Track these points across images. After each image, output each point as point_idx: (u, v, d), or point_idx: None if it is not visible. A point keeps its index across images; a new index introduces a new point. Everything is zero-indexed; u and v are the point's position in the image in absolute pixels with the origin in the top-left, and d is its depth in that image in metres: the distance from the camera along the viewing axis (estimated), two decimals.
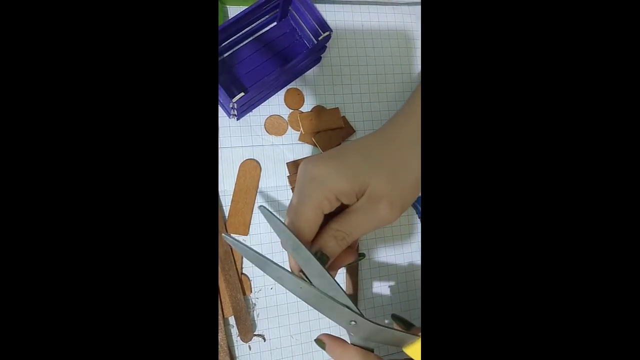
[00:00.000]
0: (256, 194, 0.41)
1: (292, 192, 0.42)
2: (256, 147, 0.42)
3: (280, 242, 0.41)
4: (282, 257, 0.41)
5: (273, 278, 0.28)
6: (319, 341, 0.32)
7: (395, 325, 0.36)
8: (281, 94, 0.43)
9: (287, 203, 0.42)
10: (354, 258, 0.33)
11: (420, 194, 0.30)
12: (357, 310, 0.28)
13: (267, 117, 0.42)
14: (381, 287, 0.44)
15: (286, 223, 0.29)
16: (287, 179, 0.42)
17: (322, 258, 0.28)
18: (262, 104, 0.43)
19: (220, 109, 0.41)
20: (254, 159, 0.41)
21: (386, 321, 0.43)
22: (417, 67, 0.49)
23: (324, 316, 0.30)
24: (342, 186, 0.28)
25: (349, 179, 0.28)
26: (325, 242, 0.28)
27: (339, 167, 0.28)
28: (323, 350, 0.41)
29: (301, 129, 0.43)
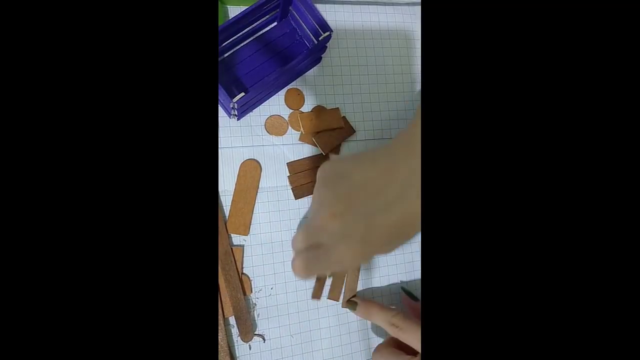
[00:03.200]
0: (256, 194, 0.41)
1: (292, 192, 0.42)
2: (256, 147, 0.42)
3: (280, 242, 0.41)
4: (282, 257, 0.41)
5: None
6: (351, 302, 0.40)
7: (402, 296, 0.43)
8: (281, 94, 0.43)
9: (287, 203, 0.42)
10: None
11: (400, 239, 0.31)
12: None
13: (267, 117, 0.43)
14: (381, 287, 0.44)
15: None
16: (287, 179, 0.42)
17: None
18: (263, 104, 0.43)
19: (220, 109, 0.41)
20: (254, 159, 0.41)
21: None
22: (417, 67, 0.49)
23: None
24: (362, 264, 0.33)
25: (371, 258, 0.33)
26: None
27: (364, 254, 0.29)
28: (324, 350, 0.41)
29: (301, 129, 0.43)
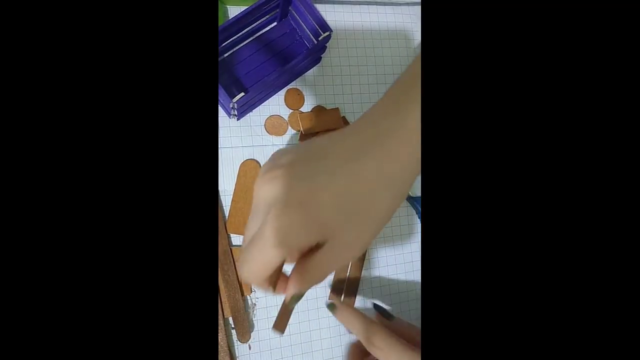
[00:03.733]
0: None
1: None
2: (256, 147, 0.42)
3: None
4: None
5: None
6: (331, 305, 0.36)
7: (375, 316, 0.38)
8: (281, 94, 0.43)
9: None
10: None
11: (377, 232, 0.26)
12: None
13: (267, 117, 0.43)
14: (381, 288, 0.44)
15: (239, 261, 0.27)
16: None
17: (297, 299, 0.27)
18: (262, 104, 0.43)
19: (220, 109, 0.41)
20: (254, 159, 0.41)
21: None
22: None
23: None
24: (309, 240, 0.24)
25: (318, 231, 0.24)
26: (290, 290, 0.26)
27: (306, 222, 0.24)
28: (324, 350, 0.41)
29: (301, 129, 0.43)
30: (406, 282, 0.45)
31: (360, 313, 0.36)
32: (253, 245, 0.24)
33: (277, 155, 0.26)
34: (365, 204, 0.24)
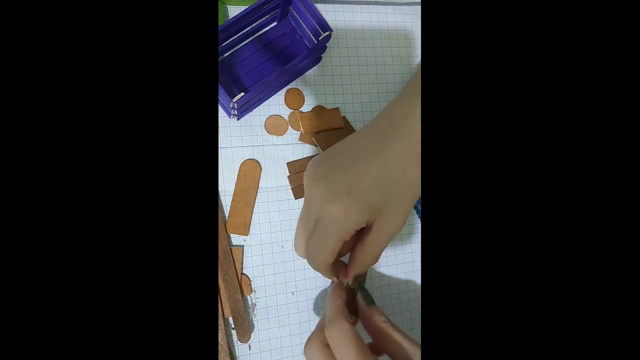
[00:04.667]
0: (256, 194, 0.41)
1: (292, 192, 0.42)
2: (256, 147, 0.42)
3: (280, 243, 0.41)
4: (282, 258, 0.41)
5: None
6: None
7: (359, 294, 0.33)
8: (281, 94, 0.43)
9: (287, 203, 0.42)
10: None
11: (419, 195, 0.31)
12: None
13: (267, 117, 0.42)
14: (381, 287, 0.44)
15: (303, 255, 0.32)
16: (287, 179, 0.42)
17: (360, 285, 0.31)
18: (263, 104, 0.43)
19: (220, 109, 0.41)
20: (254, 159, 0.41)
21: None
22: (417, 67, 0.49)
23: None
24: (360, 220, 0.29)
25: (366, 212, 0.29)
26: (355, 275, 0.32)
27: (355, 206, 0.28)
28: None
29: (301, 129, 0.43)
30: (406, 282, 0.45)
31: (342, 313, 0.30)
32: (316, 238, 0.29)
33: (315, 160, 0.31)
34: (400, 182, 0.29)
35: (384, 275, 0.44)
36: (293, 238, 0.42)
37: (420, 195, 0.30)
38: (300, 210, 0.42)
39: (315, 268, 0.32)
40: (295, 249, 0.33)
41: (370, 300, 0.33)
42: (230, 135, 0.41)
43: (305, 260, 0.42)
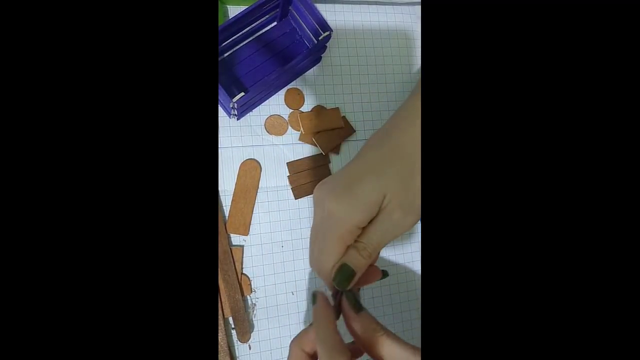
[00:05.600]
0: (256, 194, 0.41)
1: (292, 192, 0.42)
2: (256, 147, 0.42)
3: (281, 243, 0.41)
4: (282, 258, 0.41)
5: None
6: (315, 296, 0.30)
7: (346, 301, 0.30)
8: (281, 94, 0.43)
9: (287, 203, 0.42)
10: (380, 276, 0.33)
11: None
12: None
13: (267, 117, 0.43)
14: (381, 288, 0.44)
15: (310, 258, 0.31)
16: (287, 179, 0.42)
17: (346, 271, 0.28)
18: (262, 104, 0.43)
19: (220, 109, 0.41)
20: (254, 159, 0.41)
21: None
22: (417, 67, 0.49)
23: None
24: (361, 218, 0.28)
25: (366, 210, 0.28)
26: (348, 256, 0.29)
27: (354, 202, 0.28)
28: None
29: (301, 128, 0.43)
30: (406, 282, 0.45)
31: (332, 325, 0.28)
32: (320, 241, 0.29)
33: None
34: (403, 169, 0.29)
35: None
36: (293, 238, 0.42)
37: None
38: (300, 210, 0.42)
39: (323, 275, 0.30)
40: (310, 265, 0.32)
41: (358, 306, 0.30)
42: (230, 135, 0.41)
43: (305, 260, 0.42)
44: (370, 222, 0.29)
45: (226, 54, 0.42)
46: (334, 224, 0.28)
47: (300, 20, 0.43)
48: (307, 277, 0.42)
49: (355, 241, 0.29)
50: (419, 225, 0.46)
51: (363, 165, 0.30)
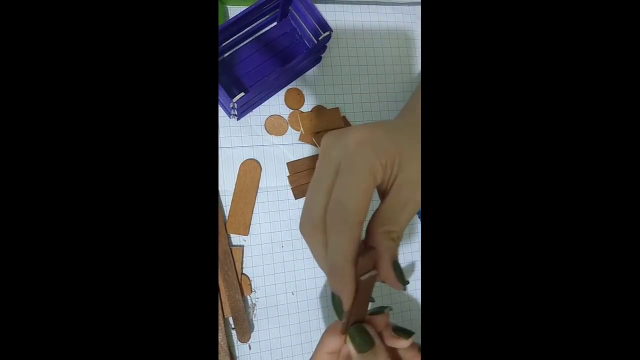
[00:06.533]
0: (256, 194, 0.41)
1: (292, 192, 0.42)
2: (256, 147, 0.42)
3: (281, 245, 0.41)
4: (282, 258, 0.41)
5: None
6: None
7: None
8: (281, 94, 0.43)
9: (287, 203, 0.42)
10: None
11: None
12: None
13: (267, 117, 0.43)
14: (381, 288, 0.44)
15: (325, 203, 0.26)
16: (287, 179, 0.42)
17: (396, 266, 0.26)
18: (263, 104, 0.43)
19: (220, 109, 0.41)
20: (254, 159, 0.41)
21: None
22: (417, 67, 0.49)
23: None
24: (391, 151, 0.26)
25: (393, 146, 0.26)
26: (388, 248, 0.26)
27: (378, 145, 0.25)
28: None
29: (301, 129, 0.43)
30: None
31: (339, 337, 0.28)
32: (344, 180, 0.25)
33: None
34: (412, 138, 0.27)
35: None
36: (293, 238, 0.42)
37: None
38: (300, 210, 0.42)
39: (345, 223, 0.24)
40: (307, 222, 0.27)
41: (406, 333, 0.28)
42: (230, 135, 0.41)
43: (305, 260, 0.42)
44: (392, 201, 0.26)
45: (226, 54, 0.42)
46: (368, 153, 0.25)
47: (300, 20, 0.43)
48: (307, 277, 0.42)
49: (387, 229, 0.26)
50: (419, 225, 0.46)
51: (384, 126, 0.27)
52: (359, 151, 0.25)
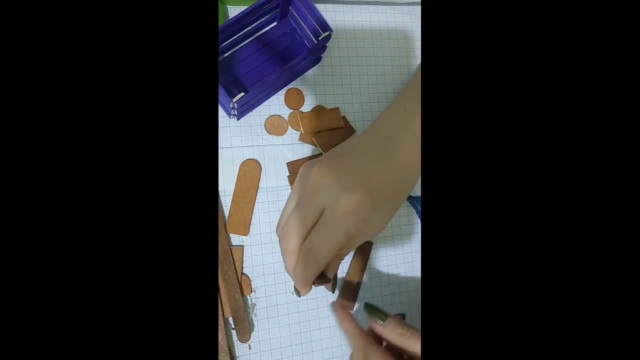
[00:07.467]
0: (256, 194, 0.41)
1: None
2: (256, 147, 0.42)
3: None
4: (282, 257, 0.41)
5: None
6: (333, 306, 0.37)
7: (367, 315, 0.36)
8: (281, 94, 0.43)
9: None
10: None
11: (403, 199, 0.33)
12: None
13: (267, 117, 0.43)
14: (381, 288, 0.44)
15: (294, 249, 0.30)
16: (287, 179, 0.42)
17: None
18: (262, 104, 0.43)
19: (220, 109, 0.41)
20: (254, 159, 0.41)
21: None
22: (417, 67, 0.49)
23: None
24: (367, 217, 0.29)
25: (372, 210, 0.29)
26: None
27: (370, 201, 0.28)
28: (324, 350, 0.41)
29: (301, 129, 0.43)
30: (406, 282, 0.45)
31: (358, 328, 0.35)
32: (323, 229, 0.28)
33: (320, 158, 0.31)
34: (397, 190, 0.31)
35: (384, 275, 0.44)
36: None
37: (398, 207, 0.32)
38: None
39: (312, 263, 0.30)
40: (285, 241, 0.30)
41: (382, 316, 0.34)
42: (230, 135, 0.41)
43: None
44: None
45: (226, 54, 0.42)
46: (348, 220, 0.28)
47: (300, 20, 0.42)
48: None
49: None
50: (419, 225, 0.46)
51: (375, 165, 0.31)
52: (345, 218, 0.28)
